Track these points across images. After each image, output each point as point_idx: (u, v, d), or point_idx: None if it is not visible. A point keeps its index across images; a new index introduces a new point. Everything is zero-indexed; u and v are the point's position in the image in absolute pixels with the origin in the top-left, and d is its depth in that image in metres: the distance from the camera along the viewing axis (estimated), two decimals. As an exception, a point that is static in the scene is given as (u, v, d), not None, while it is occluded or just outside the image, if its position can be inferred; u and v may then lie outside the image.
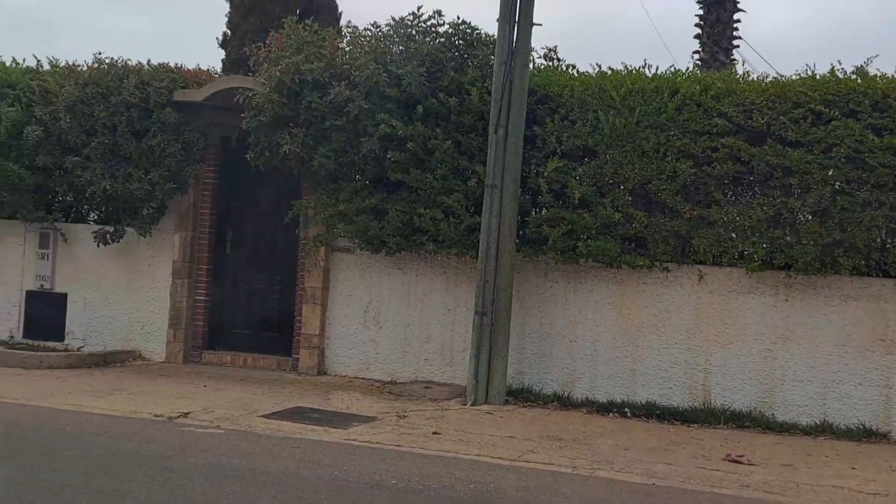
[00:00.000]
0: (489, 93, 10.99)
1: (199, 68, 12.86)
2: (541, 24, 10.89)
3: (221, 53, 15.72)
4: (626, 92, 10.92)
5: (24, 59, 13.52)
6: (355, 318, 12.18)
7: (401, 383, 11.78)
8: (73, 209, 13.59)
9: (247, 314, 12.86)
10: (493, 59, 11.15)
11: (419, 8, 11.64)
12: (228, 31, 15.81)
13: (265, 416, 9.82)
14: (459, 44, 11.66)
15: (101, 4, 40.13)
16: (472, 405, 10.74)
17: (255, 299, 12.84)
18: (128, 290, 13.02)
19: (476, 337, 10.87)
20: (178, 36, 37.39)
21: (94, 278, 13.14)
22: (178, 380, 11.62)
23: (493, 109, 10.81)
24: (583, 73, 11.39)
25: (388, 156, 11.28)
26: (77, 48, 33.75)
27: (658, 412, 10.67)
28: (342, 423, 9.65)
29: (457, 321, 11.77)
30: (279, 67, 11.51)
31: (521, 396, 11.16)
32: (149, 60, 12.69)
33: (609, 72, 11.25)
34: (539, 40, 10.93)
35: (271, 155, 11.77)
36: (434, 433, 9.38)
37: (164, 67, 12.53)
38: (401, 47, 11.54)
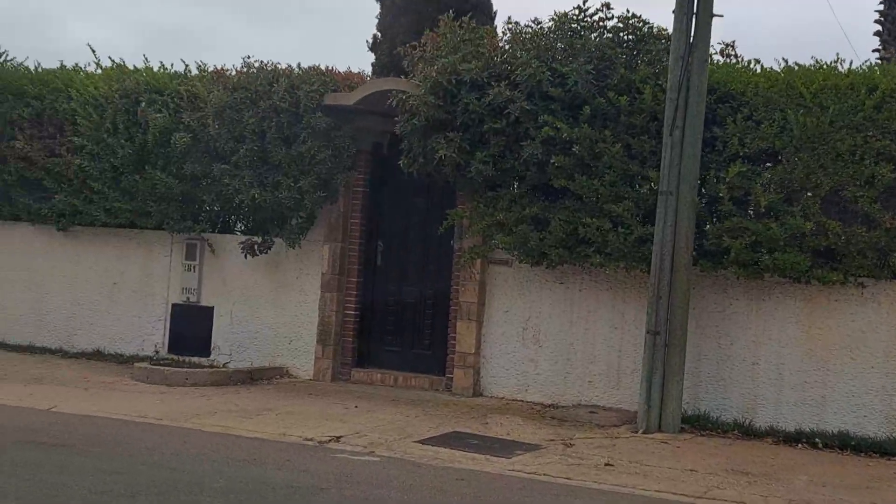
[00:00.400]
0: (663, 91, 10.07)
1: (350, 71, 12.26)
2: (721, 16, 9.97)
3: (371, 57, 15.16)
4: (818, 89, 9.86)
5: (171, 65, 13.16)
6: (513, 336, 11.37)
7: (563, 407, 10.92)
8: (220, 219, 13.13)
9: (397, 330, 12.15)
10: (666, 55, 10.26)
11: (585, 1, 10.81)
12: (379, 34, 15.22)
13: (421, 442, 9.11)
14: (629, 39, 10.78)
15: (250, 19, 40.37)
16: (643, 433, 9.83)
17: (406, 314, 12.11)
18: (275, 304, 12.45)
19: (648, 358, 9.95)
20: (325, 42, 37.20)
21: (241, 291, 12.61)
22: (326, 399, 10.99)
23: (667, 109, 9.90)
24: (767, 68, 10.37)
25: (552, 161, 10.45)
26: (228, 62, 33.71)
27: (853, 443, 9.63)
28: (504, 452, 8.88)
29: (624, 340, 10.85)
30: (435, 68, 10.81)
31: (697, 424, 10.19)
32: (299, 64, 12.16)
33: (796, 67, 10.21)
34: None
35: (425, 161, 11.07)
36: (606, 464, 8.54)
37: (314, 70, 11.95)
38: (564, 44, 10.73)
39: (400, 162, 11.25)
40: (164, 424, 9.39)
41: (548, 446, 9.19)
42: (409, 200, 12.11)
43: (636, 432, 9.87)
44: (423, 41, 11.29)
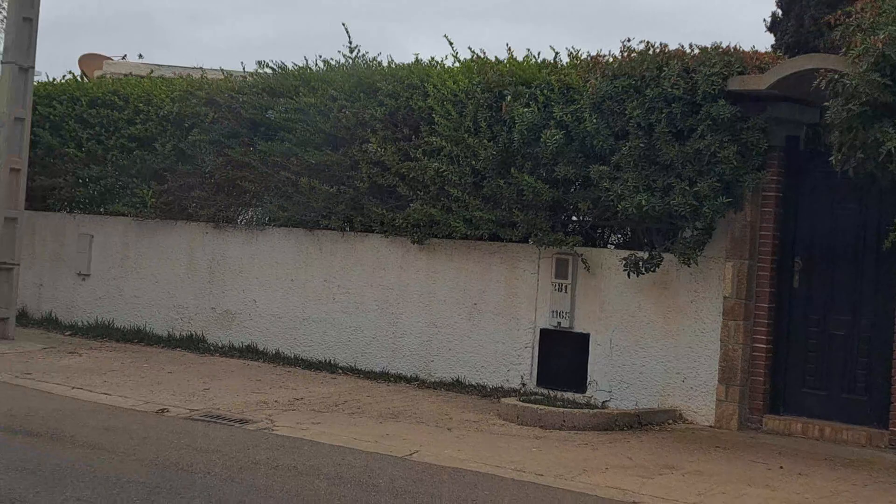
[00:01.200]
0: None
1: (757, 50, 10.07)
2: None
3: (769, 39, 12.91)
4: None
5: (538, 52, 11.44)
6: (983, 381, 8.79)
7: None
8: (593, 230, 11.27)
9: (821, 368, 9.76)
10: None
11: None
12: (779, 11, 12.92)
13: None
14: None
15: (594, 36, 38.65)
16: None
17: (831, 349, 9.70)
18: (663, 333, 10.39)
19: None
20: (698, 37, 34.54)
21: (622, 316, 10.64)
22: (738, 454, 8.84)
23: None
24: None
25: None
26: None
27: None
28: None
29: None
30: (880, 38, 8.45)
31: None
32: (691, 43, 10.11)
33: None
34: None
35: (865, 157, 8.70)
36: None
37: (714, 49, 9.83)
38: None
39: (831, 158, 8.95)
40: (546, 485, 7.59)
41: None
42: (837, 207, 9.72)
43: None
44: (858, 6, 8.94)
